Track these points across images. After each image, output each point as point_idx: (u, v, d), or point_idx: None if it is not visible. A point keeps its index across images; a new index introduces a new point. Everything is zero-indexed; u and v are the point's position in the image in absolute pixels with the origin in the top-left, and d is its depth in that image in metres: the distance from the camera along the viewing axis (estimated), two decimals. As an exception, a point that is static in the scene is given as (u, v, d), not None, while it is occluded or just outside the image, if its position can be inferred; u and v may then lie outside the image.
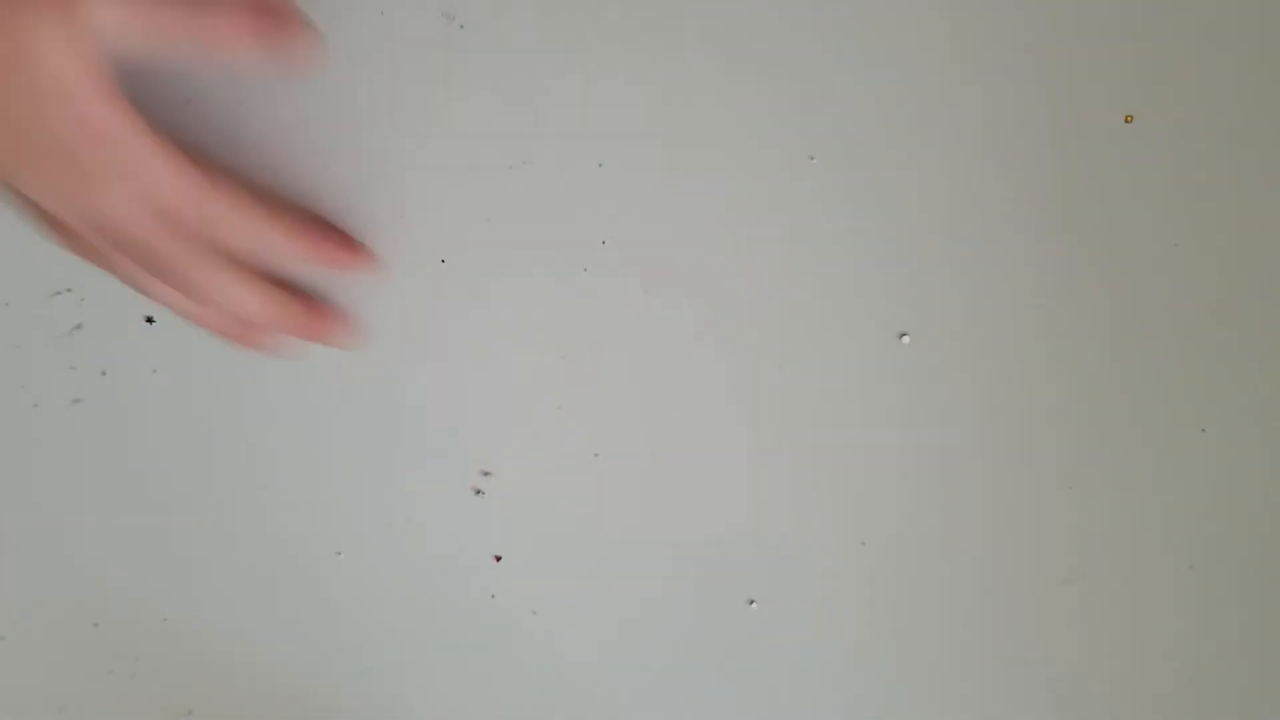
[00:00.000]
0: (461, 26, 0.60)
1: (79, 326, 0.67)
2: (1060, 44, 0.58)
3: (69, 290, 0.66)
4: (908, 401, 0.66)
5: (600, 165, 0.62)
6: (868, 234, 0.63)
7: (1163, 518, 0.68)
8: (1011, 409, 0.66)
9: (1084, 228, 0.61)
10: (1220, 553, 0.69)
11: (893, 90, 0.59)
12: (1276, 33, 0.57)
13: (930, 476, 0.68)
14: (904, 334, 0.64)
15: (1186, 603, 0.70)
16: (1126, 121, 0.59)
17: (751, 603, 0.73)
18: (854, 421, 0.67)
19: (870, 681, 0.75)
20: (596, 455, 0.69)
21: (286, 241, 0.60)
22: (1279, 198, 0.60)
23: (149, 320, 0.67)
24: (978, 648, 0.73)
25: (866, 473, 0.68)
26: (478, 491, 0.70)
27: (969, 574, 0.70)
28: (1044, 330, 0.64)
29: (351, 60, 0.61)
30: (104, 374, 0.68)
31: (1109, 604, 0.70)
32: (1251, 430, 0.65)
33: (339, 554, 0.72)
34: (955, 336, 0.64)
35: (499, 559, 0.72)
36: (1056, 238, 0.62)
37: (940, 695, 0.74)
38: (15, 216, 0.61)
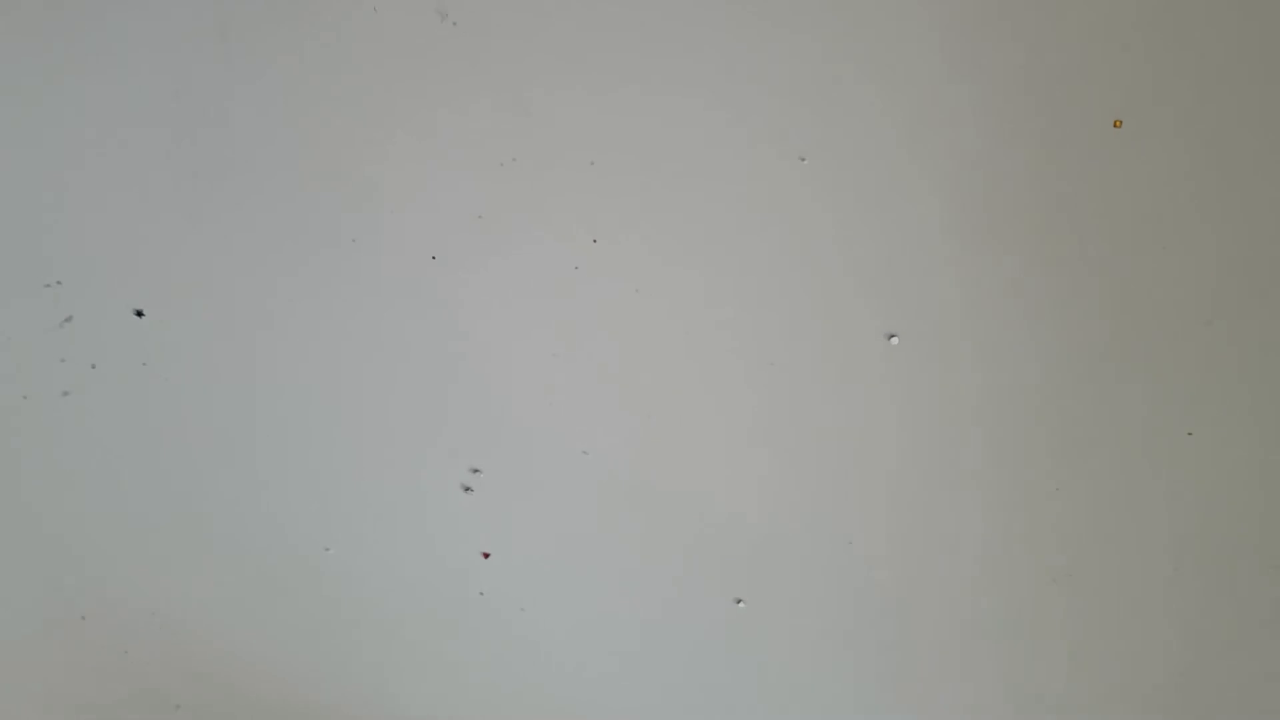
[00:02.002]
0: (454, 24, 0.60)
1: (69, 319, 0.67)
2: (1050, 50, 0.58)
3: (60, 283, 0.66)
4: (896, 402, 0.66)
5: (592, 163, 0.62)
6: (859, 235, 0.63)
7: (1149, 520, 0.68)
8: (999, 411, 0.66)
9: (1073, 232, 0.61)
10: (1205, 555, 0.69)
11: (885, 94, 0.60)
12: (1263, 41, 0.57)
13: (917, 477, 0.68)
14: (893, 335, 0.65)
15: (1171, 604, 0.70)
16: (1115, 126, 0.59)
17: (739, 602, 0.73)
18: (843, 421, 0.67)
19: (857, 679, 0.75)
20: (586, 453, 0.69)
21: None
22: (1267, 204, 0.60)
23: (139, 314, 0.67)
24: (964, 646, 0.73)
25: (854, 473, 0.69)
26: (467, 489, 0.70)
27: (956, 573, 0.71)
28: (1032, 333, 0.64)
29: (344, 55, 0.61)
30: (94, 367, 0.68)
31: (1095, 604, 0.71)
32: (1238, 435, 0.66)
33: (328, 550, 0.73)
34: (944, 339, 0.64)
35: (488, 556, 0.72)
36: (1045, 242, 0.62)
37: (927, 692, 0.75)
38: (5, 210, 0.61)
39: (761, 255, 0.64)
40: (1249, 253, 0.61)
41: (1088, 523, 0.69)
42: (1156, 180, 0.60)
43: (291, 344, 0.67)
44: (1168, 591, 0.70)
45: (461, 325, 0.66)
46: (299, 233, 0.64)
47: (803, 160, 0.61)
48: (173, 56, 0.62)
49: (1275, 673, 0.72)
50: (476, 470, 0.70)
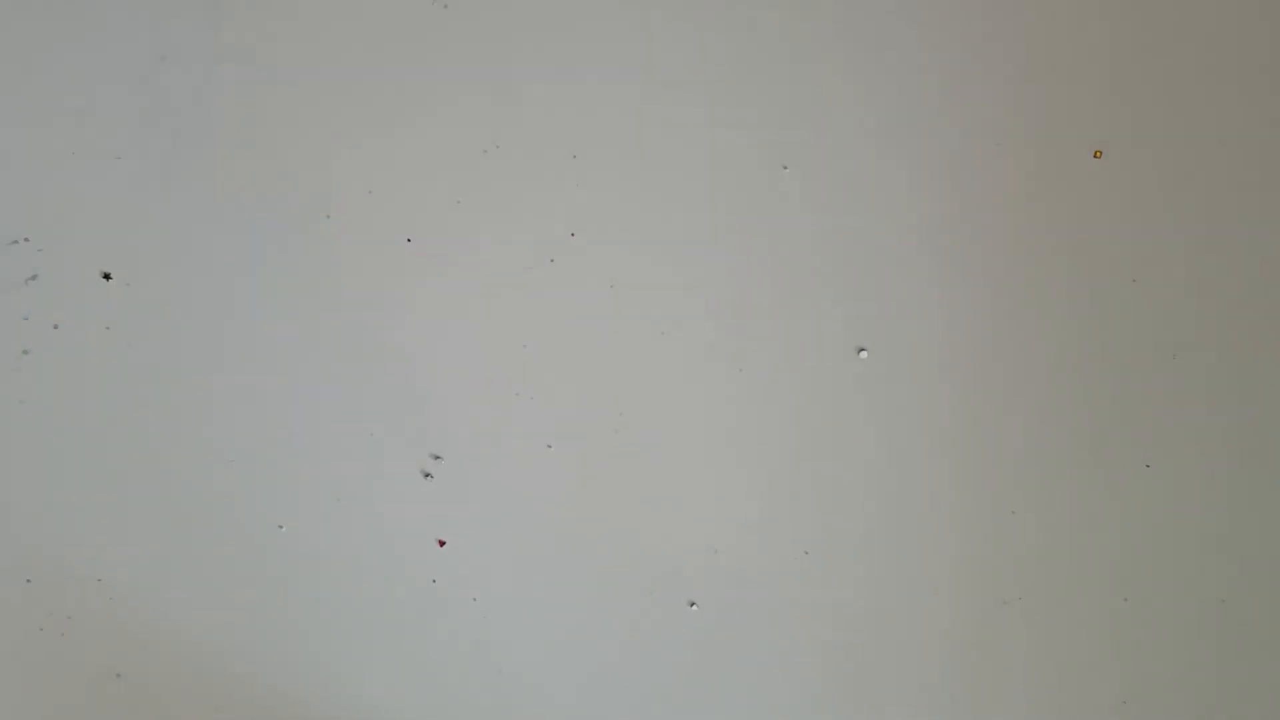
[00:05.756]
0: (445, 6, 0.60)
1: (34, 277, 0.66)
2: (1034, 80, 0.59)
3: (27, 240, 0.65)
4: (860, 416, 0.67)
5: (574, 156, 0.62)
6: (836, 247, 0.63)
7: (1102, 548, 0.69)
8: (961, 432, 0.66)
9: (1045, 260, 0.62)
10: (1157, 587, 0.70)
11: (871, 114, 0.60)
12: (1241, 80, 0.58)
13: (876, 491, 0.69)
14: (862, 349, 0.65)
15: (1121, 633, 0.71)
16: (1096, 157, 0.60)
17: (692, 604, 0.73)
18: (807, 431, 0.67)
19: (805, 687, 0.75)
20: (550, 447, 0.69)
21: None
22: (1236, 240, 0.61)
23: (106, 277, 0.66)
24: (913, 659, 0.73)
25: (815, 484, 0.69)
26: (426, 475, 0.70)
27: (908, 588, 0.71)
28: (999, 358, 0.64)
29: (332, 29, 0.60)
30: (56, 327, 0.67)
31: (1043, 628, 0.71)
32: (1194, 469, 0.66)
33: (281, 527, 0.72)
34: (912, 357, 0.65)
35: (443, 544, 0.72)
36: (1018, 269, 0.62)
37: (874, 703, 0.75)
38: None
39: (738, 260, 0.64)
40: (1217, 288, 0.62)
41: (1042, 549, 0.69)
42: (1130, 212, 0.61)
43: (259, 317, 0.66)
44: (1117, 620, 0.71)
45: (433, 310, 0.66)
46: (274, 206, 0.64)
47: (785, 169, 0.61)
48: (158, 21, 0.61)
49: (1223, 705, 0.72)
50: (438, 457, 0.70)
